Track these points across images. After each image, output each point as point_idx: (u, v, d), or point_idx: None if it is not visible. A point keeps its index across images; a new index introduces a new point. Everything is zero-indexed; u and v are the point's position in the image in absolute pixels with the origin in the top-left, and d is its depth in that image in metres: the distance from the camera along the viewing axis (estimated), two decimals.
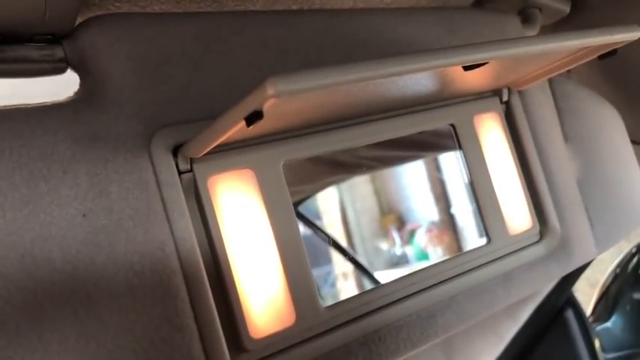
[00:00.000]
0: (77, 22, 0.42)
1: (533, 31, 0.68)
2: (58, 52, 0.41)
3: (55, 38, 0.41)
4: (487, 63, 0.41)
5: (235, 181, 0.44)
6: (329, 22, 0.52)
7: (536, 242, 0.61)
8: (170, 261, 0.40)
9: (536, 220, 0.60)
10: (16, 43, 0.40)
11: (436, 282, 0.53)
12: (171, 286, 0.40)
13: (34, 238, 0.36)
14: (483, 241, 0.57)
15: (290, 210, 0.46)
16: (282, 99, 0.31)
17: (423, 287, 0.52)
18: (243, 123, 0.34)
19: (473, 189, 0.57)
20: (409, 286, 0.51)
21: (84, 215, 0.38)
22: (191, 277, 0.41)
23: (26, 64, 0.40)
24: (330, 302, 0.47)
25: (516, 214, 0.59)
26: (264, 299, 0.44)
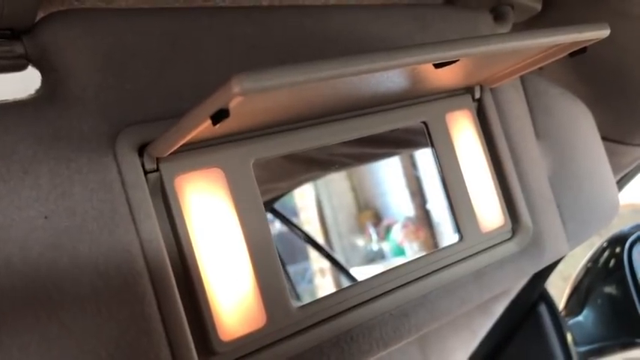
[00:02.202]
0: (38, 18, 0.41)
1: (505, 29, 0.68)
2: (18, 48, 0.40)
3: (14, 34, 0.39)
4: (458, 60, 0.40)
5: (204, 181, 0.43)
6: (300, 19, 0.51)
7: (509, 239, 0.61)
8: (136, 263, 0.39)
9: (508, 217, 0.61)
10: None
11: (409, 280, 0.53)
12: (138, 288, 0.39)
13: None
14: (457, 237, 0.57)
15: (260, 210, 0.45)
16: (249, 97, 0.31)
17: (396, 286, 0.52)
18: (209, 121, 0.33)
19: (445, 187, 0.57)
20: (381, 285, 0.51)
21: (45, 217, 0.37)
22: (158, 280, 0.40)
23: None
24: (307, 298, 0.46)
25: (488, 211, 0.59)
26: (233, 301, 0.43)
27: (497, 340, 1.11)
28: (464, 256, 0.57)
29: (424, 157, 0.60)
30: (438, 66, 0.41)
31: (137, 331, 0.38)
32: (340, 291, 0.49)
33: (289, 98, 0.38)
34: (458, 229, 0.57)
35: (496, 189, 0.60)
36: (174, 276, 0.41)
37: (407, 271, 0.53)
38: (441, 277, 0.54)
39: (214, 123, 0.33)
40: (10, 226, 0.36)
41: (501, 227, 0.60)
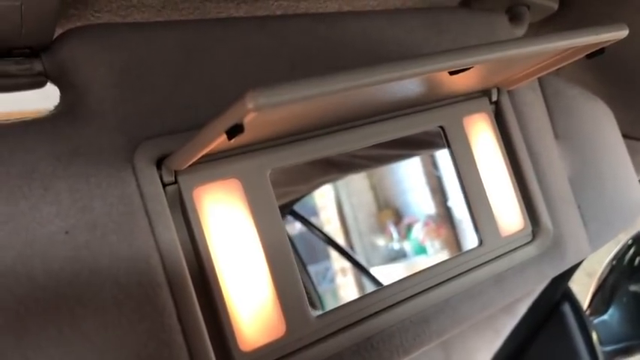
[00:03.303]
0: (56, 34, 0.41)
1: (521, 30, 0.68)
2: (37, 65, 0.40)
3: (33, 52, 0.40)
4: (472, 67, 0.40)
5: (221, 192, 0.43)
6: (314, 27, 0.51)
7: (529, 242, 0.60)
8: (156, 275, 0.40)
9: (528, 220, 0.60)
10: None
11: (429, 286, 0.52)
12: (158, 300, 0.39)
13: (15, 256, 0.36)
14: (477, 242, 0.56)
15: (278, 219, 0.45)
16: (263, 112, 0.31)
17: (416, 292, 0.52)
18: (224, 136, 0.33)
19: (464, 191, 0.56)
20: (401, 292, 0.51)
21: (66, 232, 0.37)
22: (178, 291, 0.40)
23: (3, 79, 0.39)
24: (329, 298, 0.46)
25: (508, 214, 0.59)
26: (253, 311, 0.43)
27: (520, 340, 1.10)
28: (484, 260, 0.56)
29: (444, 155, 0.60)
30: (453, 73, 0.41)
31: (158, 343, 0.39)
32: (359, 298, 0.49)
33: (304, 109, 0.38)
34: (478, 233, 0.56)
35: (515, 192, 0.60)
36: (194, 287, 0.41)
37: (427, 276, 0.52)
38: (461, 282, 0.54)
39: (229, 138, 0.33)
40: (33, 241, 0.36)
41: (521, 231, 0.59)
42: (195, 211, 0.42)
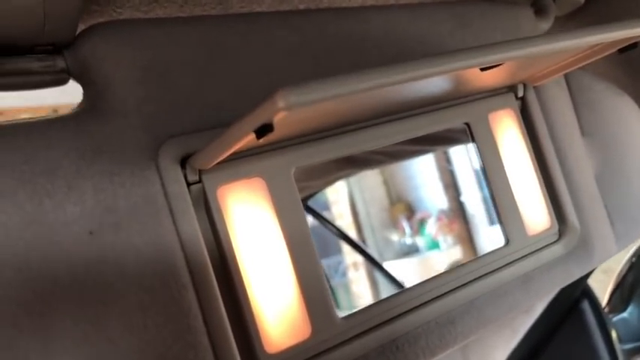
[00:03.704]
0: (78, 31, 0.40)
1: (547, 23, 0.66)
2: (60, 62, 0.40)
3: (55, 48, 0.39)
4: (504, 63, 0.39)
5: (245, 191, 0.43)
6: (338, 21, 0.50)
7: (555, 242, 0.59)
8: (181, 276, 0.39)
9: (554, 218, 0.59)
10: (16, 55, 0.38)
11: (455, 287, 0.51)
12: (183, 302, 0.39)
13: (40, 257, 0.35)
14: (499, 237, 0.55)
15: (302, 218, 0.45)
16: (293, 111, 0.30)
17: (442, 293, 0.51)
18: (252, 135, 0.33)
19: (490, 189, 0.55)
20: (427, 293, 0.50)
21: (90, 233, 0.37)
22: (203, 292, 0.39)
23: (26, 77, 0.39)
24: (342, 292, 0.46)
25: (534, 213, 0.58)
26: (278, 312, 0.42)
27: (538, 338, 1.09)
28: (510, 260, 0.55)
29: (459, 150, 0.59)
30: (484, 69, 0.40)
31: (183, 345, 0.38)
32: (385, 300, 0.48)
33: (332, 107, 0.38)
34: (504, 232, 0.55)
35: (542, 190, 0.58)
36: (219, 288, 0.40)
37: (453, 277, 0.51)
38: (487, 283, 0.53)
39: (258, 137, 0.32)
40: (57, 242, 0.36)
41: (548, 229, 0.58)
42: (219, 210, 0.41)
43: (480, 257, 0.54)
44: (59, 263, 0.36)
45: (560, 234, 0.59)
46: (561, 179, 0.60)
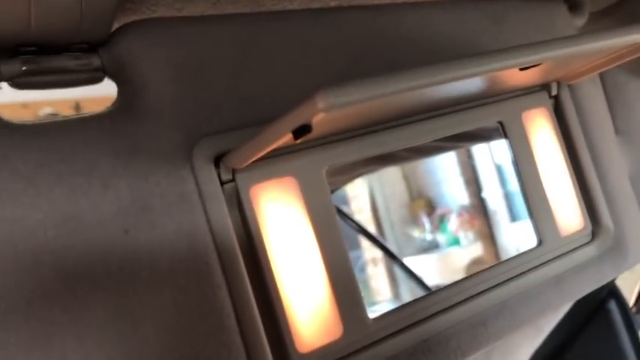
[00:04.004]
0: (113, 29, 0.40)
1: (581, 19, 0.65)
2: (95, 60, 0.40)
3: (91, 47, 0.40)
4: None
5: (278, 190, 0.42)
6: (370, 18, 0.50)
7: (588, 243, 0.58)
8: (215, 275, 0.39)
9: (588, 219, 0.58)
10: (52, 54, 0.38)
11: (487, 287, 0.51)
12: (217, 301, 0.39)
13: (75, 256, 0.35)
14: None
15: (334, 217, 0.44)
16: (333, 112, 0.30)
17: (473, 293, 0.50)
18: (290, 136, 0.32)
19: (522, 189, 0.54)
20: (459, 293, 0.49)
21: (126, 231, 0.37)
22: (236, 291, 0.39)
23: (62, 75, 0.39)
24: (360, 288, 0.45)
25: (567, 214, 0.57)
26: (310, 312, 0.42)
27: (563, 337, 1.08)
28: (543, 261, 0.54)
29: (480, 146, 0.58)
30: (523, 69, 0.39)
31: (216, 344, 0.38)
32: (416, 300, 0.47)
33: (368, 107, 0.37)
34: (537, 233, 0.54)
35: (575, 190, 0.57)
36: (251, 287, 0.40)
37: (485, 278, 0.51)
38: (519, 284, 0.52)
39: (296, 138, 0.32)
40: (93, 241, 0.36)
41: (581, 230, 0.57)
42: (252, 209, 0.41)
43: (512, 258, 0.53)
44: (95, 261, 0.36)
45: (594, 235, 0.58)
46: (595, 179, 0.59)
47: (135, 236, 0.37)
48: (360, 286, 0.45)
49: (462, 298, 0.49)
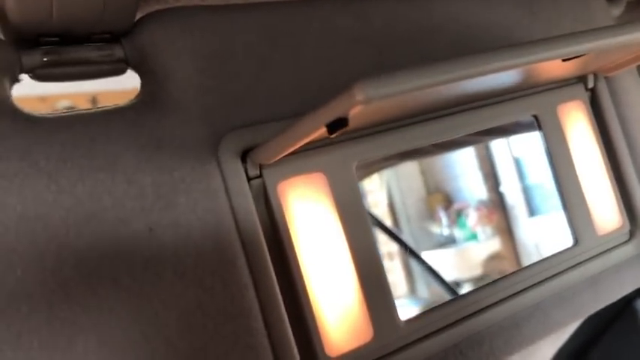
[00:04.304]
0: (136, 19, 0.39)
1: (618, 8, 0.62)
2: (118, 51, 0.38)
3: (113, 37, 0.38)
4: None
5: (306, 187, 0.41)
6: (401, 9, 0.48)
7: (626, 242, 0.56)
8: (242, 275, 0.37)
9: (625, 217, 0.55)
10: (74, 44, 0.37)
11: (520, 289, 0.49)
12: (244, 302, 0.37)
13: (98, 255, 0.34)
14: (572, 241, 0.52)
15: (364, 215, 0.42)
16: (371, 104, 0.28)
17: (506, 295, 0.48)
18: (323, 130, 0.31)
19: (558, 186, 0.52)
20: (491, 295, 0.47)
21: (150, 229, 0.35)
22: (264, 292, 0.38)
23: (84, 66, 0.37)
24: None
25: (604, 212, 0.54)
26: (339, 314, 0.40)
27: (587, 336, 1.06)
28: (579, 261, 0.52)
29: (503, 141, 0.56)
30: (565, 60, 0.37)
31: (243, 346, 0.37)
32: (448, 302, 0.45)
33: (404, 100, 0.35)
34: (573, 232, 0.52)
35: (613, 187, 0.55)
36: (279, 288, 0.39)
37: (518, 279, 0.49)
38: (553, 285, 0.50)
39: (331, 133, 0.30)
40: (117, 239, 0.34)
41: (618, 229, 0.55)
42: (279, 206, 0.40)
43: (547, 258, 0.51)
44: (118, 261, 0.34)
45: (632, 234, 0.56)
46: (633, 175, 0.56)
47: (159, 234, 0.35)
48: None
49: (495, 300, 0.47)
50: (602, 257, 0.53)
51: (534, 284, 0.50)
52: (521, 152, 0.72)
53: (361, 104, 0.27)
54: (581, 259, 0.52)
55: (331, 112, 0.29)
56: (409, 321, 0.43)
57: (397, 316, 0.42)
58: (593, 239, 0.53)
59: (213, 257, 0.37)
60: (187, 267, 0.36)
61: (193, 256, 0.36)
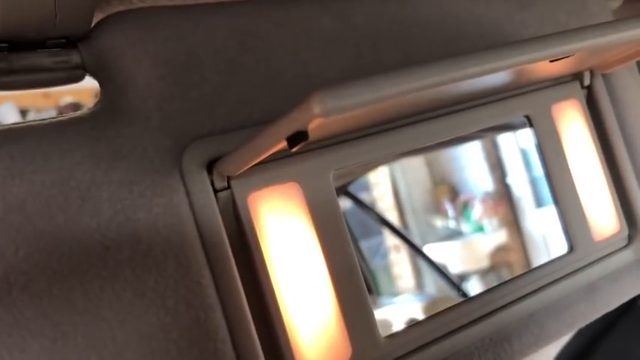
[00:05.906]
0: (95, 22, 0.37)
1: (616, 1, 0.59)
2: (74, 57, 0.36)
3: (69, 42, 0.36)
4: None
5: (279, 198, 0.38)
6: (383, 6, 0.45)
7: (625, 247, 0.53)
8: (208, 295, 0.35)
9: (624, 222, 0.53)
10: (26, 51, 0.35)
11: (512, 299, 0.46)
12: (210, 324, 0.35)
13: (52, 276, 0.32)
14: (567, 248, 0.50)
15: (342, 227, 0.40)
16: (332, 117, 0.25)
17: (497, 307, 0.45)
18: (284, 143, 0.28)
19: (553, 190, 0.49)
20: (479, 308, 0.45)
21: (107, 248, 0.33)
22: (232, 313, 0.36)
23: (38, 74, 0.35)
24: (382, 274, 0.41)
25: (602, 216, 0.52)
26: (315, 332, 0.38)
27: (591, 335, 1.03)
28: (575, 268, 0.50)
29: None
30: (554, 60, 0.34)
31: None
32: (432, 316, 0.43)
33: (375, 108, 0.33)
34: (568, 238, 0.49)
35: (610, 190, 0.52)
36: (250, 308, 0.36)
37: (510, 289, 0.46)
38: (548, 294, 0.48)
39: (291, 146, 0.28)
40: (70, 258, 0.32)
41: (616, 234, 0.52)
42: (250, 220, 0.37)
43: (541, 266, 0.48)
44: (72, 282, 0.32)
45: (630, 239, 0.53)
46: (632, 178, 0.53)
47: (117, 253, 0.33)
48: (382, 274, 0.41)
49: (484, 313, 0.45)
50: (599, 264, 0.51)
51: (526, 294, 0.47)
52: (528, 143, 0.70)
53: (319, 117, 0.25)
54: (577, 267, 0.50)
55: (290, 126, 0.27)
56: (390, 337, 0.41)
57: (378, 332, 0.40)
58: (590, 245, 0.50)
59: (177, 276, 0.34)
60: (148, 287, 0.34)
61: (154, 276, 0.34)
